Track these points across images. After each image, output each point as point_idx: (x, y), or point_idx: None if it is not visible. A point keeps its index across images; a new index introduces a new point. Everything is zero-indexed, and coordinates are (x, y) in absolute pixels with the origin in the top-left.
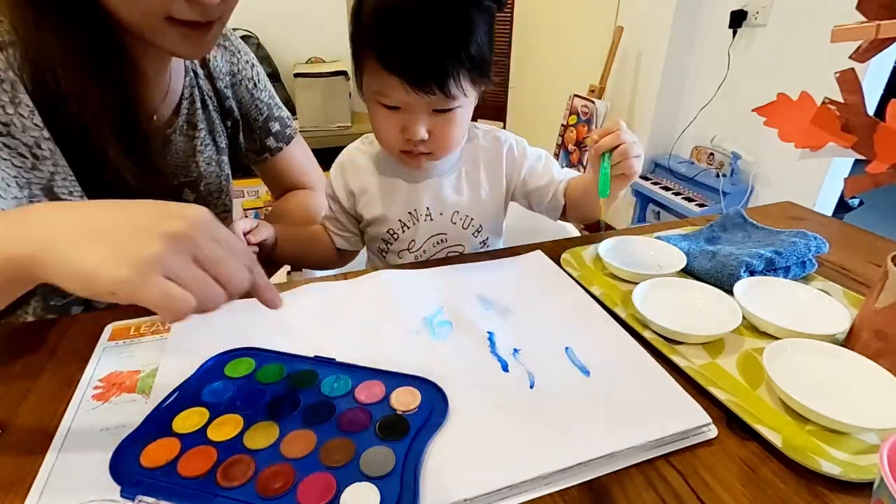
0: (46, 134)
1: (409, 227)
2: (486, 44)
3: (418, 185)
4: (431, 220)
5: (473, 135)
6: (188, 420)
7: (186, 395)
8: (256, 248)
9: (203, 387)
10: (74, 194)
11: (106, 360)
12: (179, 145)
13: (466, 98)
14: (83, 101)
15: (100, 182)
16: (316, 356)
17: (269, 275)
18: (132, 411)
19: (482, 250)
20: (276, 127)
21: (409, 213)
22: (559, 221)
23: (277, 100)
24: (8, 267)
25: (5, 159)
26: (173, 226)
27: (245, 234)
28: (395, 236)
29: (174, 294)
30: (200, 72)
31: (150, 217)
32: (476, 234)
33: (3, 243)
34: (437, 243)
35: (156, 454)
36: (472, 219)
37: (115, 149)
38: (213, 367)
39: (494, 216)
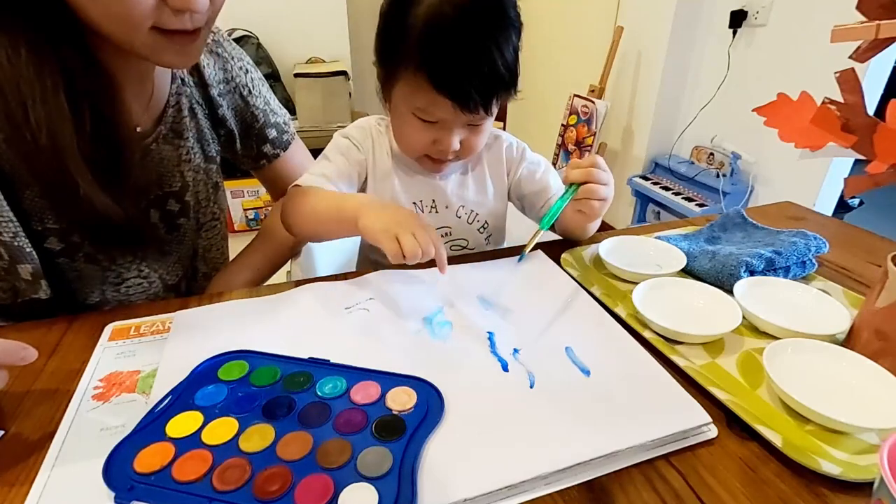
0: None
1: None
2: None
3: (425, 178)
4: (437, 212)
5: None
6: (182, 424)
7: (179, 399)
8: None
9: (196, 391)
10: (47, 222)
11: (106, 359)
12: (163, 154)
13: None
14: (54, 128)
15: (72, 195)
16: (310, 358)
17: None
18: (132, 411)
19: (486, 249)
20: (272, 133)
21: (414, 203)
22: None
23: (274, 105)
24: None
25: None
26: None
27: None
28: None
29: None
30: (190, 79)
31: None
32: (481, 230)
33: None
34: (441, 237)
35: (149, 459)
36: (476, 214)
37: (87, 174)
38: (206, 371)
39: (499, 214)
